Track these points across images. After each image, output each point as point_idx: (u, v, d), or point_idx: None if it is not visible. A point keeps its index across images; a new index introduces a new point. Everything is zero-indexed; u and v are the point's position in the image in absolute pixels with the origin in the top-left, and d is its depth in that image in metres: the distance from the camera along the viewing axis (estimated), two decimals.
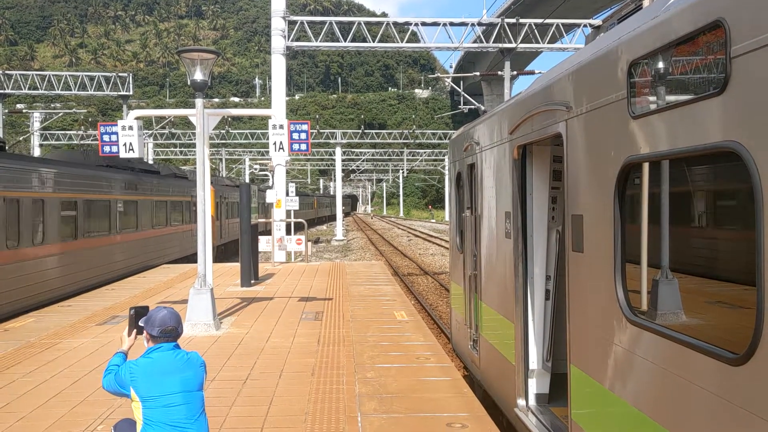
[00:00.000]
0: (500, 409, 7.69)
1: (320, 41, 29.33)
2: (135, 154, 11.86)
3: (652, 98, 3.86)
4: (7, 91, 45.30)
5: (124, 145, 11.80)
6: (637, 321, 3.97)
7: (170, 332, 4.46)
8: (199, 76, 11.23)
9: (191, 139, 64.62)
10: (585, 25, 29.47)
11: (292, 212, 27.74)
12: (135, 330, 4.70)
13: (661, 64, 3.76)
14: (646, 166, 4.00)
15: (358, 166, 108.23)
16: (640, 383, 3.96)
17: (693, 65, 3.50)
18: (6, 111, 45.86)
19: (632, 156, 4.00)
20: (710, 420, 3.26)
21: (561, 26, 30.62)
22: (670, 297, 3.89)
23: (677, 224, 3.86)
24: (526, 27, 29.74)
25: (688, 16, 3.43)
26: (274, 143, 12.26)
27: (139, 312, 4.70)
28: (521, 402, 6.64)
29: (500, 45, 29.35)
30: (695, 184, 3.74)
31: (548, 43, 30.40)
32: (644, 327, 3.87)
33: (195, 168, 23.41)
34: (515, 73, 30.02)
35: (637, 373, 3.99)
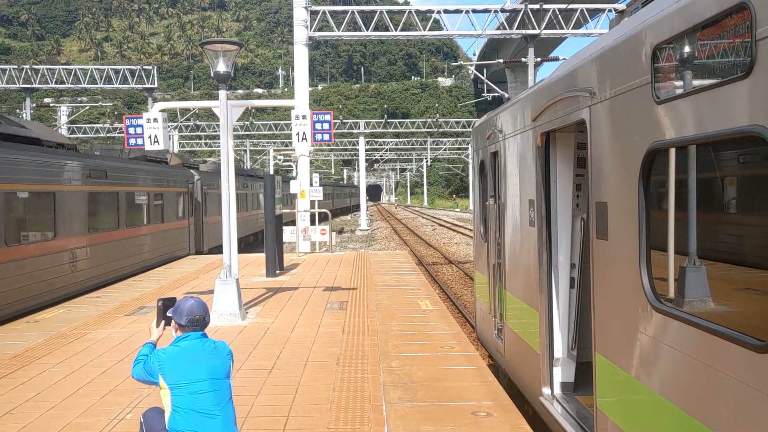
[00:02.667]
0: (525, 397, 7.68)
1: (342, 31, 29.34)
2: (160, 146, 11.98)
3: (677, 83, 3.81)
4: (34, 85, 45.91)
5: (149, 137, 11.92)
6: (663, 308, 3.93)
7: (198, 321, 4.53)
8: (222, 67, 11.28)
9: (216, 131, 65.05)
10: (610, 10, 29.07)
11: (316, 203, 27.82)
12: (163, 321, 4.77)
13: (685, 48, 3.71)
14: (671, 152, 3.95)
15: (381, 156, 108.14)
16: (665, 371, 3.93)
17: (718, 49, 3.44)
18: (34, 105, 46.54)
19: (657, 142, 3.95)
20: (737, 407, 3.23)
21: (585, 11, 30.25)
22: (696, 284, 3.85)
23: (703, 210, 3.81)
24: (550, 12, 29.42)
25: None
26: (297, 134, 12.30)
27: (167, 303, 4.77)
28: (546, 390, 6.63)
29: (524, 31, 29.09)
30: (721, 170, 3.69)
31: (572, 28, 30.05)
32: (670, 314, 3.84)
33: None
34: (539, 59, 29.77)
35: (663, 361, 3.95)
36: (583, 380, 6.54)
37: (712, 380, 3.43)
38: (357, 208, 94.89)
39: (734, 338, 3.22)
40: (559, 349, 6.65)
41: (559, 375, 6.63)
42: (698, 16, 3.49)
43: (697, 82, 3.61)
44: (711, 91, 3.40)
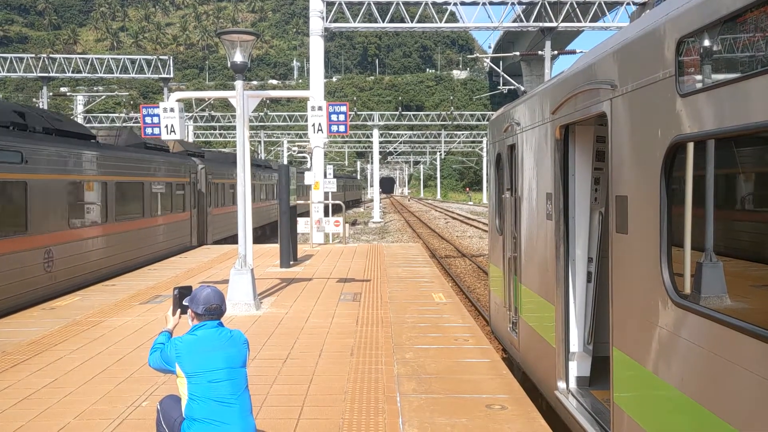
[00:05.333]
0: (540, 391, 7.66)
1: (358, 22, 29.23)
2: (177, 136, 12.00)
3: (701, 76, 3.76)
4: (51, 74, 46.21)
5: (166, 126, 11.95)
6: (684, 304, 3.90)
7: (214, 310, 4.55)
8: (239, 58, 11.29)
9: (230, 122, 65.30)
10: (628, 3, 28.83)
11: (330, 194, 27.86)
12: (179, 309, 4.79)
13: (710, 41, 3.66)
14: (694, 146, 3.91)
15: (395, 148, 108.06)
16: (685, 366, 3.90)
17: (745, 42, 3.40)
18: (51, 94, 46.82)
19: (680, 135, 3.91)
20: (757, 403, 3.20)
21: (603, 4, 29.99)
22: (718, 279, 3.81)
23: (726, 206, 3.77)
24: (568, 5, 29.21)
25: None
26: (313, 125, 12.28)
27: (183, 292, 4.79)
28: (561, 385, 6.61)
29: (541, 24, 28.91)
30: (745, 165, 3.65)
31: (590, 21, 29.83)
32: (691, 309, 3.81)
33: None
34: (556, 52, 29.58)
35: (683, 357, 3.92)
36: (598, 375, 6.51)
37: (732, 376, 3.40)
38: (357, 203, 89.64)
39: (756, 334, 3.19)
40: (575, 344, 6.62)
41: (574, 369, 6.61)
42: (724, 9, 3.45)
43: (722, 76, 3.56)
44: (737, 85, 3.36)
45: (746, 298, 3.67)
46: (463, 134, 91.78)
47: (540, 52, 29.37)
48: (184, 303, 4.69)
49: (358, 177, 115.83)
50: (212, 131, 75.52)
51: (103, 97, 56.32)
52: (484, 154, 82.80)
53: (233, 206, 26.46)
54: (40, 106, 44.46)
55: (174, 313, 4.83)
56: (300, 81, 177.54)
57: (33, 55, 47.32)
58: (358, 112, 65.64)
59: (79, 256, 14.54)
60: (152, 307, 11.81)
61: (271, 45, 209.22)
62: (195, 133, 64.10)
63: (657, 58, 4.21)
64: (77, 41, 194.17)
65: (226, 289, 11.30)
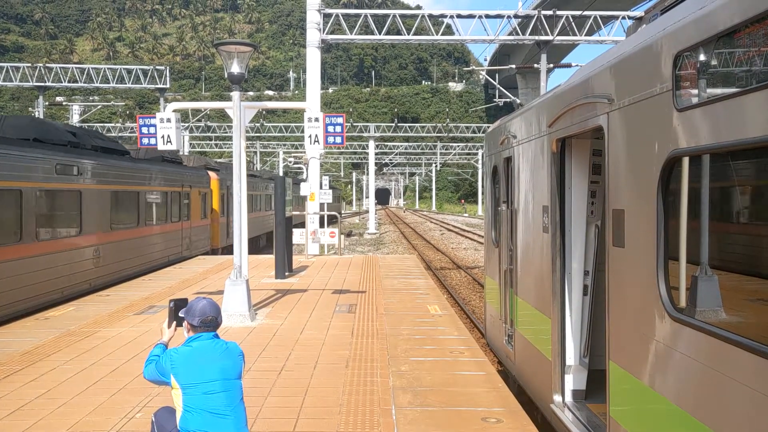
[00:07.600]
0: (535, 404, 7.64)
1: (355, 34, 29.33)
2: (173, 146, 11.99)
3: (698, 91, 3.78)
4: (47, 84, 46.21)
5: (162, 137, 11.94)
6: (680, 317, 3.90)
7: (210, 322, 4.54)
8: (236, 69, 11.30)
9: (226, 132, 65.35)
10: (623, 17, 29.02)
11: (325, 205, 27.83)
12: (174, 321, 4.78)
13: (707, 56, 3.68)
14: (690, 160, 3.92)
15: (391, 160, 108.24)
16: (682, 380, 3.90)
17: (741, 57, 3.42)
18: (46, 103, 46.78)
19: (677, 150, 3.92)
20: (754, 419, 3.20)
21: (599, 18, 30.21)
22: (715, 293, 3.81)
23: (722, 219, 3.78)
24: (563, 19, 29.38)
25: (736, 7, 3.35)
26: (310, 136, 12.29)
27: (179, 304, 4.78)
28: (557, 398, 6.59)
29: (537, 37, 29.04)
30: (741, 179, 3.66)
31: (586, 35, 30.00)
32: (688, 323, 3.81)
33: None
34: (551, 65, 29.71)
35: (680, 370, 3.92)
36: (594, 388, 6.50)
37: (729, 390, 3.40)
38: (336, 219, 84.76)
39: (754, 348, 3.19)
40: (571, 357, 6.61)
41: (570, 382, 6.60)
42: (722, 24, 3.47)
43: (719, 91, 3.58)
44: (734, 100, 3.37)
45: (742, 312, 3.67)
46: (458, 146, 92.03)
47: (536, 65, 29.50)
48: (180, 315, 4.68)
49: (353, 187, 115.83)
50: (208, 141, 75.56)
51: (99, 107, 56.30)
52: (480, 166, 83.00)
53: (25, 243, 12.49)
54: (36, 116, 44.40)
55: (169, 326, 4.82)
56: (296, 92, 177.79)
57: (29, 65, 47.36)
58: (354, 124, 65.80)
59: None
60: (146, 317, 11.76)
61: (267, 56, 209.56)
62: (191, 144, 64.08)
63: (654, 72, 4.23)
64: (74, 51, 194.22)
65: (221, 300, 11.26)
